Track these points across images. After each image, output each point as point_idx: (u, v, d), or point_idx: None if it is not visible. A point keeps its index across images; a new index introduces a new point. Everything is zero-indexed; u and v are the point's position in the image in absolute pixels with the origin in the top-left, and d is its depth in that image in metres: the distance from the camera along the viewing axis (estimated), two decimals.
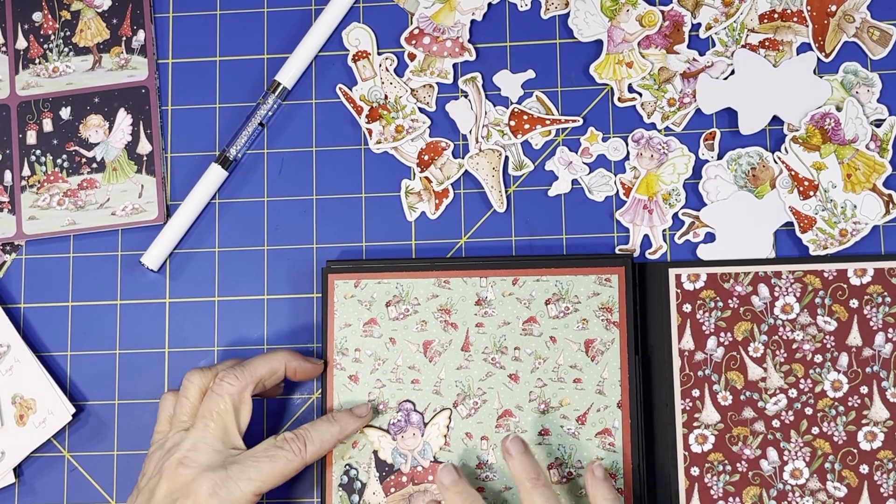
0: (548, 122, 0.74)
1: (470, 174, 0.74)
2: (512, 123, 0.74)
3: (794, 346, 0.69)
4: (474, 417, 0.69)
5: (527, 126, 0.74)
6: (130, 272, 0.75)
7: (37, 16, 0.78)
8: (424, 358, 0.70)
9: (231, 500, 0.63)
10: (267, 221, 0.75)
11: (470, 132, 0.74)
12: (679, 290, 0.70)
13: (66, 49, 0.77)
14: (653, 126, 0.73)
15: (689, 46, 0.73)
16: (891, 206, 0.70)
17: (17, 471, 0.73)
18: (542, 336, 0.69)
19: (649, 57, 0.73)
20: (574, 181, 0.73)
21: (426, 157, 0.74)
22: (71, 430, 0.74)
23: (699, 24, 0.73)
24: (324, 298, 0.71)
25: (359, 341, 0.70)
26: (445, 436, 0.68)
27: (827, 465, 0.68)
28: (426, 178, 0.74)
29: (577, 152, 0.73)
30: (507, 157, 0.74)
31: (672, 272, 0.70)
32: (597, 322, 0.69)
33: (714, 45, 0.73)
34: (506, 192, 0.73)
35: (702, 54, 0.73)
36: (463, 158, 0.74)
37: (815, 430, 0.68)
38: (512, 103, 0.74)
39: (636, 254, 0.72)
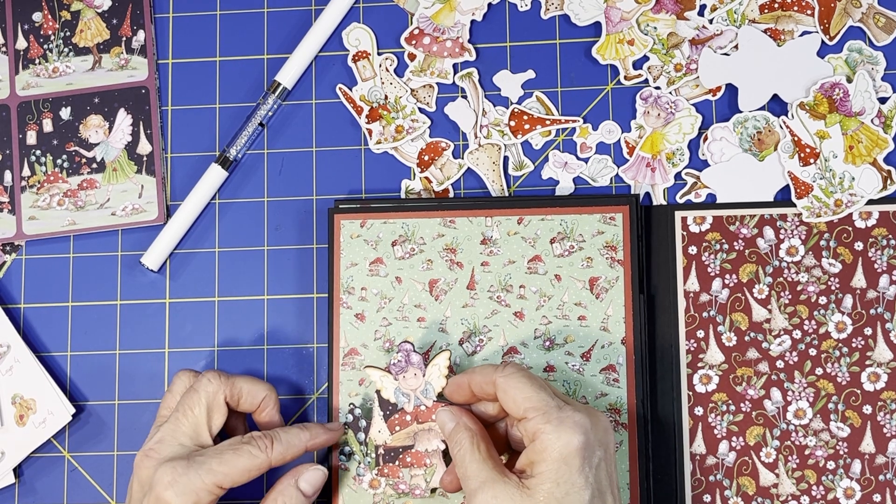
0: (548, 122, 0.74)
1: (470, 175, 0.74)
2: (512, 123, 0.74)
3: (799, 287, 0.70)
4: (480, 354, 0.70)
5: (527, 126, 0.74)
6: (130, 272, 0.75)
7: (37, 16, 0.78)
8: (430, 296, 0.71)
9: (190, 489, 0.61)
10: (267, 221, 0.75)
11: (470, 129, 0.74)
12: (685, 233, 0.71)
13: (66, 49, 0.77)
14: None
15: (699, 14, 0.73)
16: (889, 181, 0.70)
17: (17, 471, 0.73)
18: (546, 274, 0.70)
19: (659, 21, 0.73)
20: (576, 179, 0.73)
21: (426, 158, 0.74)
22: (71, 430, 0.74)
23: (705, 5, 0.74)
24: (330, 238, 0.72)
25: (365, 280, 0.71)
26: (447, 376, 0.67)
27: (830, 405, 0.69)
28: (426, 178, 0.74)
29: (573, 152, 0.73)
30: (507, 158, 0.74)
31: (678, 214, 0.71)
32: (601, 260, 0.70)
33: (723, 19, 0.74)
34: (508, 190, 0.73)
35: (711, 22, 0.73)
36: (463, 157, 0.74)
37: (819, 371, 0.69)
38: (512, 103, 0.74)
39: None
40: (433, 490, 0.68)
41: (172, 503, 0.61)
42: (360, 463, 0.69)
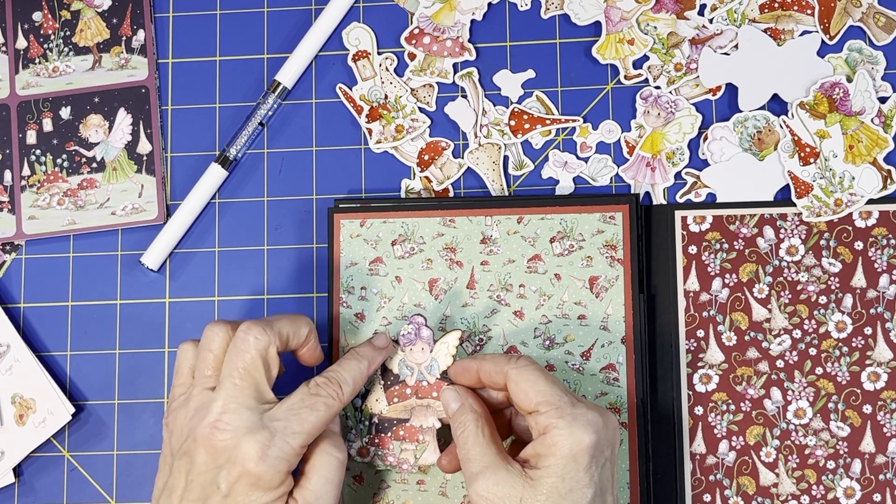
0: (548, 121, 0.74)
1: (470, 175, 0.74)
2: (512, 123, 0.74)
3: (799, 287, 0.70)
4: (479, 354, 0.70)
5: (527, 126, 0.74)
6: (130, 272, 0.75)
7: (37, 16, 0.78)
8: (430, 296, 0.71)
9: (281, 458, 0.60)
10: (267, 221, 0.75)
11: (470, 129, 0.74)
12: (685, 232, 0.71)
13: (66, 49, 0.77)
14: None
15: (699, 14, 0.73)
16: (889, 181, 0.70)
17: (17, 470, 0.73)
18: (546, 273, 0.70)
19: (659, 21, 0.73)
20: (576, 178, 0.73)
21: (426, 157, 0.74)
22: (71, 430, 0.74)
23: (705, 5, 0.74)
24: (329, 238, 0.72)
25: (365, 280, 0.71)
26: (454, 356, 0.67)
27: (830, 405, 0.69)
28: (426, 177, 0.74)
29: (573, 152, 0.73)
30: (506, 157, 0.74)
31: (678, 214, 0.71)
32: (601, 259, 0.70)
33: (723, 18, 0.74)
34: (508, 189, 0.73)
35: (711, 21, 0.73)
36: (463, 157, 0.74)
37: (819, 371, 0.69)
38: (512, 103, 0.74)
39: None
40: (419, 468, 0.68)
41: (266, 476, 0.59)
42: (352, 429, 0.68)
